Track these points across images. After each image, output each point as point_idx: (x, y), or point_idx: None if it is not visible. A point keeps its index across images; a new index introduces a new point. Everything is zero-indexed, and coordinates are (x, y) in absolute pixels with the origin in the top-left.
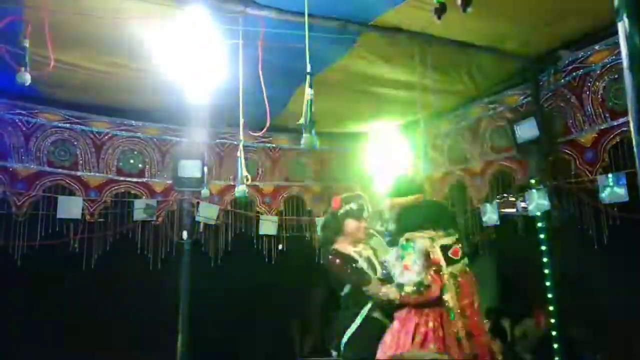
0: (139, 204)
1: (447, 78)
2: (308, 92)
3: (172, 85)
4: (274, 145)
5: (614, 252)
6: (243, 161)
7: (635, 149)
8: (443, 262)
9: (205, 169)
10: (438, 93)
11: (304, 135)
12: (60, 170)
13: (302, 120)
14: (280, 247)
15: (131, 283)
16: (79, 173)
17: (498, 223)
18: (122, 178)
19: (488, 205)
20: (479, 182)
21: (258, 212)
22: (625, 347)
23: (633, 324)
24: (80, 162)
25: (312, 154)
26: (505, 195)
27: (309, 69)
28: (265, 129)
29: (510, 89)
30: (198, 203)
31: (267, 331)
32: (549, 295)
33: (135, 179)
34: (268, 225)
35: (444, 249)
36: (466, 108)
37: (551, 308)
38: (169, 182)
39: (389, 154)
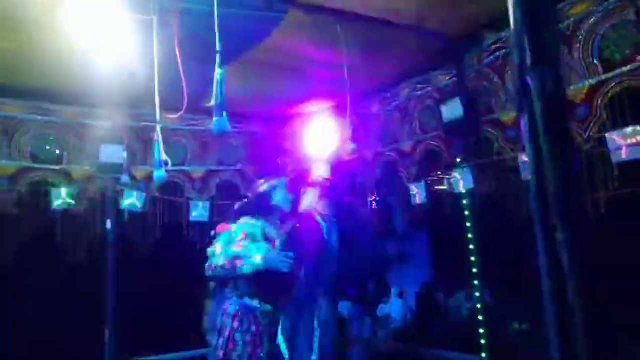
0: (57, 194)
1: (374, 58)
2: (218, 72)
3: (87, 65)
4: (203, 128)
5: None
6: (161, 145)
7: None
8: None
9: (126, 154)
10: (366, 73)
11: (214, 118)
12: None
13: (212, 102)
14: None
15: (51, 279)
16: None
17: (427, 201)
18: (37, 166)
19: (418, 184)
20: (409, 162)
21: (188, 198)
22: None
23: None
24: None
25: (244, 137)
26: (434, 174)
27: (218, 48)
28: (183, 111)
29: (438, 70)
30: (122, 190)
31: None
32: (474, 270)
33: (52, 167)
34: (199, 211)
35: None
36: (395, 88)
37: (476, 282)
38: (89, 168)
39: (321, 136)
